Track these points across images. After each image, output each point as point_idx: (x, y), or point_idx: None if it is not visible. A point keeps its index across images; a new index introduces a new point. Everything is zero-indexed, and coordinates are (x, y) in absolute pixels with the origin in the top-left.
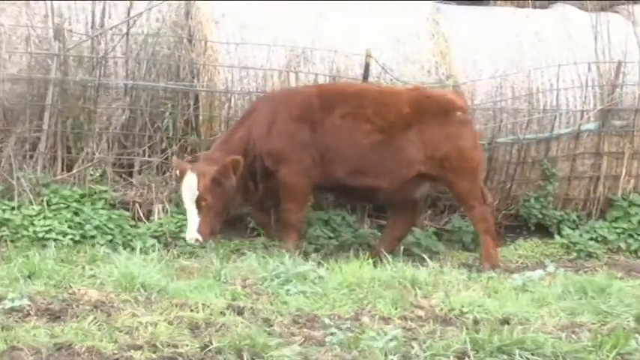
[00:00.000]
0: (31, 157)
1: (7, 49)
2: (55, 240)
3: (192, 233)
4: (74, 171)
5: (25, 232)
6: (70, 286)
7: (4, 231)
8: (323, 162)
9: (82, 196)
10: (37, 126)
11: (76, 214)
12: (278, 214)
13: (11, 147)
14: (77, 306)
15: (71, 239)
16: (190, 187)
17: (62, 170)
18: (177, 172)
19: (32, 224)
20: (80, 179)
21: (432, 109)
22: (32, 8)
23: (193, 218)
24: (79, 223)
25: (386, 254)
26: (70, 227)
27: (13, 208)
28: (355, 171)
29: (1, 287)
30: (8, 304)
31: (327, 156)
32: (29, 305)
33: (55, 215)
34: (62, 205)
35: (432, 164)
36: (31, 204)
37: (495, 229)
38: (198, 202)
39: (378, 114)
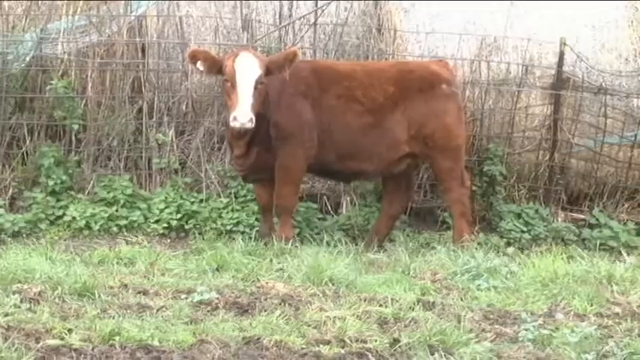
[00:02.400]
0: (219, 149)
1: (195, 40)
2: (242, 233)
3: (247, 112)
4: None
5: (212, 225)
6: (258, 280)
7: (192, 223)
8: (318, 144)
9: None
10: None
11: None
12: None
13: (199, 139)
14: (265, 299)
15: (258, 232)
16: (251, 66)
17: None
18: (199, 59)
19: (220, 217)
20: None
21: (416, 84)
22: None
23: (248, 99)
24: None
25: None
26: (257, 220)
27: (201, 201)
28: (345, 155)
29: (189, 280)
30: (197, 297)
31: (321, 138)
32: (217, 298)
33: (242, 208)
34: (249, 198)
35: (416, 142)
36: (219, 196)
37: (472, 214)
38: (257, 84)
39: (367, 95)
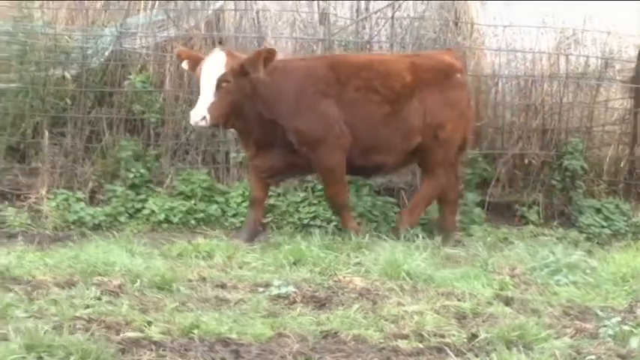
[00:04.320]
0: None
1: (272, 34)
2: (319, 227)
3: (201, 110)
4: None
5: (290, 219)
6: (335, 274)
7: (269, 217)
8: None
9: (347, 182)
10: None
11: None
12: None
13: None
14: (342, 294)
15: (335, 226)
16: (216, 63)
17: None
18: (183, 58)
19: (297, 211)
20: None
21: (432, 74)
22: None
23: (207, 97)
24: None
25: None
26: (334, 214)
27: (278, 195)
28: (367, 149)
29: (267, 274)
30: (275, 291)
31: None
32: (295, 292)
33: (319, 202)
34: None
35: (427, 133)
36: (296, 190)
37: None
38: (219, 82)
39: (386, 85)
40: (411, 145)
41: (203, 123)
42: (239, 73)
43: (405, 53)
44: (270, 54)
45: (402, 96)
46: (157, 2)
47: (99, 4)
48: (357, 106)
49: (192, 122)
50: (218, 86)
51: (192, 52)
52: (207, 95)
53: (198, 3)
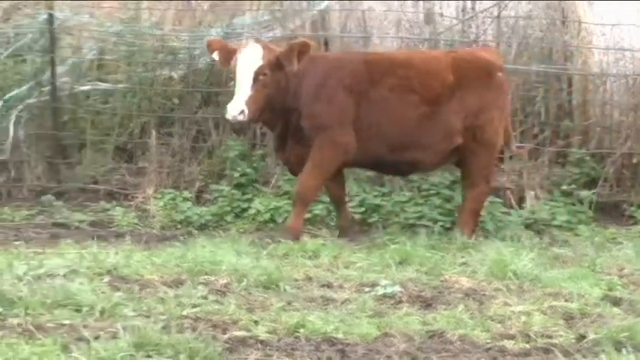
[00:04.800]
0: None
1: (378, 34)
2: (425, 227)
3: (239, 104)
4: None
5: (395, 219)
6: (442, 274)
7: (374, 217)
8: (365, 138)
9: (453, 182)
10: None
11: (446, 200)
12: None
13: None
14: (449, 294)
15: (441, 226)
16: (253, 56)
17: None
18: (215, 49)
19: (403, 210)
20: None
21: (473, 73)
22: None
23: (245, 90)
24: (450, 210)
25: None
26: (440, 214)
27: (383, 195)
28: (397, 146)
29: (373, 273)
30: (381, 291)
31: (369, 132)
32: (401, 292)
33: (425, 202)
34: (432, 192)
35: (467, 135)
36: (402, 190)
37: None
38: (257, 75)
39: (425, 85)
40: (451, 146)
41: (241, 117)
42: (275, 65)
43: (443, 50)
44: (304, 47)
45: (442, 96)
46: (263, 3)
47: (206, 5)
48: (389, 105)
49: (229, 117)
50: (255, 79)
51: (225, 42)
52: (244, 88)
53: (304, 3)
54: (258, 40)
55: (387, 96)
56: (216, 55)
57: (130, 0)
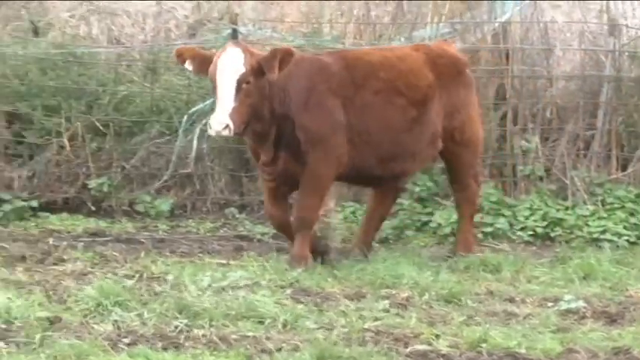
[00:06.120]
0: (585, 155)
1: (561, 45)
2: (609, 241)
3: (223, 117)
4: (629, 170)
5: (579, 233)
6: (627, 289)
7: (557, 231)
8: (355, 148)
9: (637, 196)
10: (590, 124)
11: (631, 214)
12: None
13: (564, 146)
14: (635, 310)
15: (626, 240)
16: (233, 61)
17: (616, 169)
18: (185, 58)
19: (586, 225)
20: (635, 179)
21: (448, 71)
22: (587, 4)
23: (227, 101)
24: (635, 224)
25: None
26: (625, 228)
27: (566, 208)
28: (386, 157)
29: (556, 288)
30: (564, 306)
31: (358, 141)
32: (585, 307)
33: (609, 216)
34: (616, 206)
35: (445, 137)
36: (585, 204)
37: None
38: (240, 84)
39: (410, 86)
40: (436, 152)
41: (226, 132)
42: (258, 71)
43: (410, 45)
44: (287, 55)
45: (427, 97)
46: (444, 16)
47: (386, 18)
48: (375, 110)
49: (212, 132)
50: (238, 88)
51: (195, 49)
52: (227, 99)
53: (485, 16)
54: (237, 43)
55: (373, 100)
56: (188, 65)
57: (312, 14)
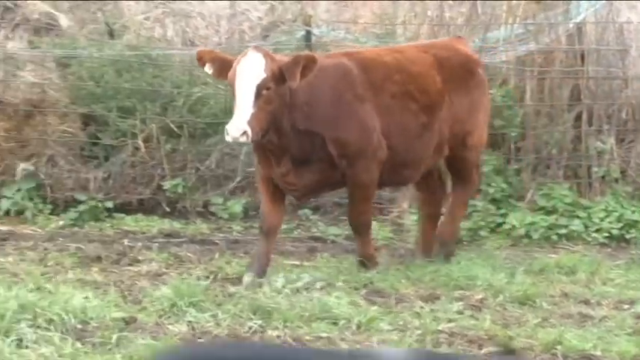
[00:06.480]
0: None
1: (636, 46)
2: None
3: (241, 124)
4: None
5: None
6: None
7: (632, 233)
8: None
9: None
10: None
11: None
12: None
13: None
14: None
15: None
16: (254, 67)
17: None
18: (206, 61)
19: None
20: None
21: (458, 73)
22: None
23: (246, 107)
24: None
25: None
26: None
27: None
28: (398, 163)
29: (631, 290)
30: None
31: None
32: None
33: None
34: None
35: (454, 143)
36: None
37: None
38: (259, 90)
39: (421, 90)
40: (440, 160)
41: (244, 139)
42: (279, 78)
43: (417, 45)
44: (310, 62)
45: (436, 102)
46: (518, 17)
47: (460, 19)
48: (392, 114)
49: (229, 139)
50: (258, 94)
51: (217, 53)
52: (245, 105)
53: (560, 17)
54: (258, 48)
55: (390, 103)
56: (208, 68)
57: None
